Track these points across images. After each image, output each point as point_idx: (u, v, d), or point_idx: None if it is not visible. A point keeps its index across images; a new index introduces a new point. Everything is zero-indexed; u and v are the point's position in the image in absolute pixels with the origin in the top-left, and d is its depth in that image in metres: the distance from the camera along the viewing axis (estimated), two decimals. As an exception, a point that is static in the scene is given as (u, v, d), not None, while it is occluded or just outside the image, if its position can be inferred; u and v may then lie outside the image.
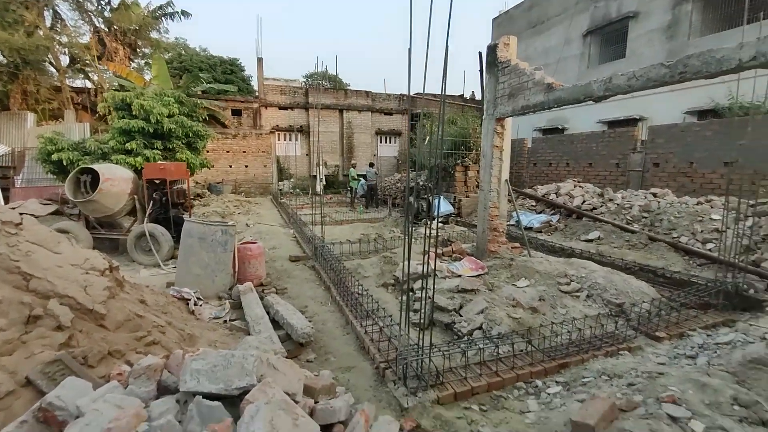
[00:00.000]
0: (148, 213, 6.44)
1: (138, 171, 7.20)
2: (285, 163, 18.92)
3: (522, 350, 3.28)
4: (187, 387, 1.28)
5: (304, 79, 27.16)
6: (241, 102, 18.87)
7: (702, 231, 5.84)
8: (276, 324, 3.88)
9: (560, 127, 15.16)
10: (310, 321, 4.12)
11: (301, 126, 19.50)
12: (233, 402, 1.34)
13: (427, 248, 3.07)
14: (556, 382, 2.95)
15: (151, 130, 8.17)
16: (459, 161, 10.57)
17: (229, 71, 23.41)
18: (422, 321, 3.31)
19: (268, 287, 5.09)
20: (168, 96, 8.57)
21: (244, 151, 17.50)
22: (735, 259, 4.27)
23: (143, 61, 18.88)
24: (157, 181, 6.78)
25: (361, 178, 14.22)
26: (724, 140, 6.95)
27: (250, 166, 17.63)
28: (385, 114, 21.37)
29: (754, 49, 2.65)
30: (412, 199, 9.33)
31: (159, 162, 7.51)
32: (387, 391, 2.86)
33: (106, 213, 6.27)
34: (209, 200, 13.38)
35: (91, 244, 5.92)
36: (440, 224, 9.29)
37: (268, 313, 4.05)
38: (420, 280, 3.31)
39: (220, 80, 19.66)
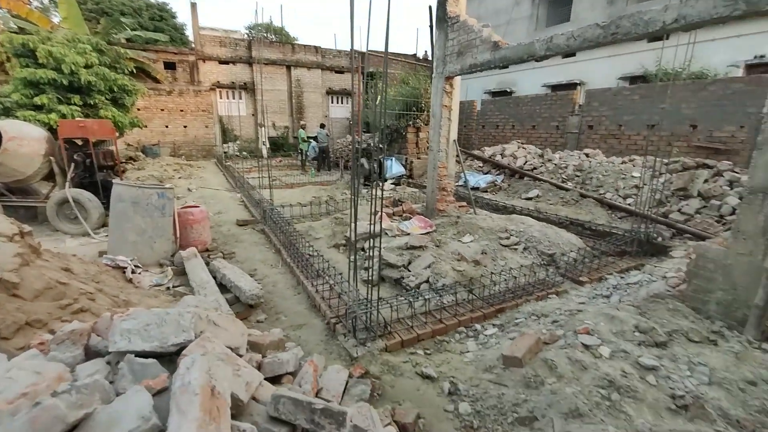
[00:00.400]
0: (69, 177, 5.78)
1: (54, 130, 6.35)
2: (229, 123, 17.65)
3: (464, 299, 3.53)
4: (117, 347, 1.22)
5: (247, 31, 24.91)
6: (175, 54, 16.96)
7: (624, 187, 6.48)
8: (224, 288, 3.81)
9: (508, 90, 15.52)
10: (259, 283, 4.09)
11: (244, 83, 18.09)
12: (171, 360, 1.32)
13: (374, 209, 3.11)
14: (493, 324, 3.24)
15: (65, 83, 7.14)
16: (411, 122, 10.55)
17: (157, 17, 20.79)
18: (370, 278, 3.41)
19: (215, 252, 4.93)
20: (83, 43, 7.45)
21: (182, 110, 16.02)
22: (648, 211, 4.82)
23: (47, 0, 16.10)
24: (80, 142, 6.06)
25: (312, 140, 13.74)
26: (649, 104, 7.59)
27: (189, 126, 16.25)
28: (336, 72, 20.43)
29: (676, 11, 2.84)
30: (364, 160, 9.27)
31: (78, 119, 6.66)
32: (337, 344, 2.97)
33: (16, 177, 5.54)
34: (144, 164, 12.27)
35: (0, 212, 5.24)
36: (392, 186, 9.38)
37: (214, 277, 3.94)
38: (370, 240, 3.38)
39: (147, 27, 17.43)
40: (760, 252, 2.43)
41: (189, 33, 20.11)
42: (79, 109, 7.29)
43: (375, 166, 8.33)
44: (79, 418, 0.91)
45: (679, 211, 5.41)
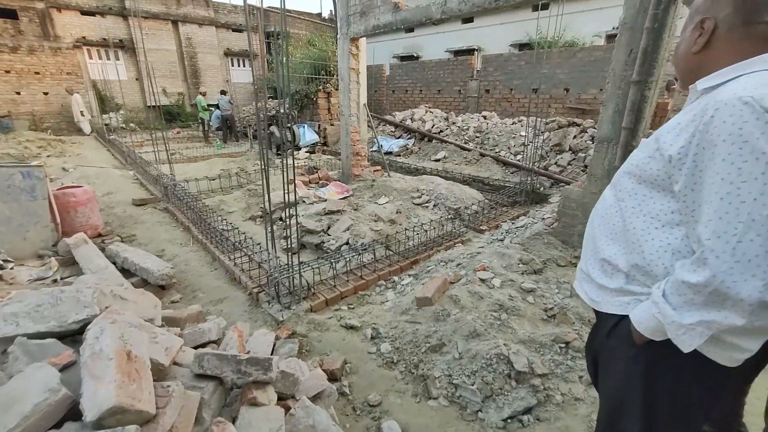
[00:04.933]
0: None
1: None
2: (107, 90, 14.97)
3: (383, 255, 3.79)
4: (1, 333, 1.10)
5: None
6: (13, -1, 13.48)
7: (514, 145, 7.34)
8: (128, 273, 3.50)
9: (415, 54, 15.84)
10: (170, 263, 3.83)
11: (121, 40, 15.36)
12: (75, 339, 1.25)
13: (288, 178, 3.08)
14: (409, 275, 3.56)
15: None
16: (321, 87, 10.24)
17: (-21, -51, 16.06)
18: (290, 244, 3.44)
19: (110, 236, 4.42)
20: None
21: (38, 72, 13.07)
22: (533, 165, 5.58)
23: None
24: None
25: (214, 108, 12.51)
26: (533, 69, 8.51)
27: (51, 93, 13.40)
28: (234, 30, 18.47)
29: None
30: (274, 128, 8.83)
31: None
32: (262, 311, 3.01)
33: None
34: (-8, 141, 9.96)
35: None
36: (307, 153, 9.17)
37: (114, 263, 3.58)
38: (286, 208, 3.38)
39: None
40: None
41: (32, -27, 16.00)
42: None
43: (287, 134, 8.02)
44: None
45: (555, 163, 6.38)
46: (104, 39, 14.82)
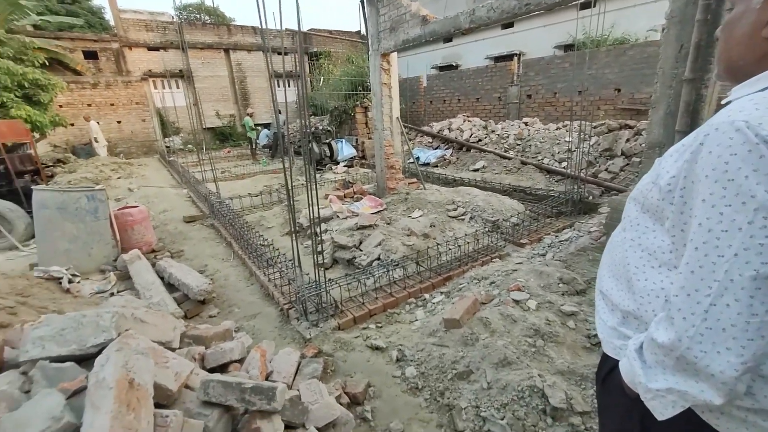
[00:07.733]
0: (-18, 187, 5.25)
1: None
2: (168, 115, 16.47)
3: (414, 271, 3.69)
4: (29, 356, 1.19)
5: (176, 13, 22.98)
6: (95, 41, 15.38)
7: (558, 152, 6.91)
8: (172, 287, 3.72)
9: (454, 63, 15.67)
10: (210, 278, 4.02)
11: (180, 70, 16.86)
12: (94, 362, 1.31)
13: (311, 193, 3.12)
14: (441, 292, 3.42)
15: (-39, 81, 6.35)
16: (359, 102, 10.44)
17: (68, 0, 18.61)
18: (316, 261, 3.46)
19: (161, 252, 4.75)
20: (-24, 34, 6.60)
21: (112, 104, 14.72)
22: (580, 172, 5.19)
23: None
24: (-11, 147, 5.48)
25: (262, 128, 13.23)
26: (578, 71, 8.03)
27: (123, 121, 15.01)
28: (280, 54, 19.55)
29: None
30: (312, 144, 9.12)
31: (-18, 122, 5.98)
32: (291, 328, 3.03)
33: None
34: (76, 166, 11.25)
35: None
36: (345, 168, 9.34)
37: (162, 278, 3.83)
38: (312, 224, 3.42)
39: (56, 11, 15.56)
40: (658, 201, 2.74)
41: (109, 17, 18.21)
42: (-16, 110, 6.54)
43: (325, 149, 8.25)
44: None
45: (606, 170, 5.89)
46: (167, 70, 16.37)
